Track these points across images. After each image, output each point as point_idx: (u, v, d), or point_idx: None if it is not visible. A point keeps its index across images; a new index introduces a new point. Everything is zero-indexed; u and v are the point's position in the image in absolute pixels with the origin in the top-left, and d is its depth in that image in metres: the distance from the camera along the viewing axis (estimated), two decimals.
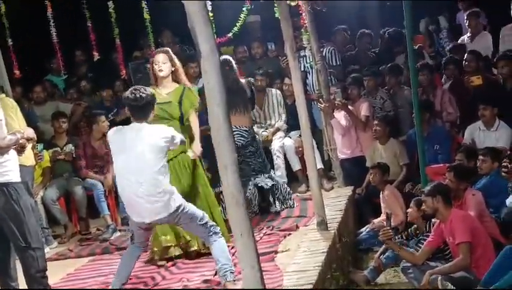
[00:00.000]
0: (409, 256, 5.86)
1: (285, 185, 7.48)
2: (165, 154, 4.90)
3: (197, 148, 5.97)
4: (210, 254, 5.19)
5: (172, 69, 6.06)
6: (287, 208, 7.24)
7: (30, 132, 5.24)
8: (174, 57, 6.12)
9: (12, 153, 4.87)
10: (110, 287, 5.10)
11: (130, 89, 5.00)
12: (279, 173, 8.04)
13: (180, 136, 5.12)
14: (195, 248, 5.93)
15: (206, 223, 5.01)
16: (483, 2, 10.17)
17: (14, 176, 4.84)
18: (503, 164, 5.71)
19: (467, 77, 8.09)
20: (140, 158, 4.78)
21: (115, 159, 4.98)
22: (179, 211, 4.91)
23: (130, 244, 5.17)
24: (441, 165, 7.01)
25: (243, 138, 7.07)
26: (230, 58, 7.17)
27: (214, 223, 5.12)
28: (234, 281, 4.82)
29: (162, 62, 6.03)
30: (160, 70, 6.03)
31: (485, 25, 10.03)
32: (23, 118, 5.49)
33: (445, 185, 5.96)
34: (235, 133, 6.65)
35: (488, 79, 8.14)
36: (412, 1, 6.57)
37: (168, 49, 6.30)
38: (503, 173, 5.62)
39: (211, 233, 4.99)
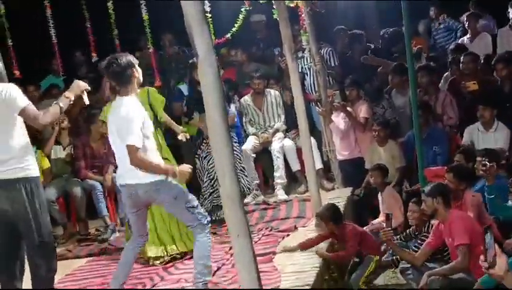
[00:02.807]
0: (408, 257, 5.85)
1: None
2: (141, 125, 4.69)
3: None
4: None
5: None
6: None
7: (79, 84, 4.96)
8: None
9: (31, 147, 4.80)
10: (108, 288, 5.08)
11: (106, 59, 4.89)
12: (279, 174, 8.06)
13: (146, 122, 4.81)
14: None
15: (193, 207, 4.80)
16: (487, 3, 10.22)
17: (34, 171, 4.74)
18: (481, 162, 5.68)
19: (463, 83, 8.09)
20: (119, 132, 4.70)
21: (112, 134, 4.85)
22: (167, 182, 4.73)
23: (128, 241, 5.10)
24: (439, 167, 7.01)
25: None
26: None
27: (203, 213, 4.92)
28: None
29: None
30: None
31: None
32: None
33: (445, 185, 5.94)
34: None
35: (487, 80, 8.14)
36: (411, 1, 6.58)
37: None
38: (481, 172, 5.58)
39: (198, 223, 4.80)
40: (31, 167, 4.71)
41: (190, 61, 6.86)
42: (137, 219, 4.95)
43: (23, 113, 4.65)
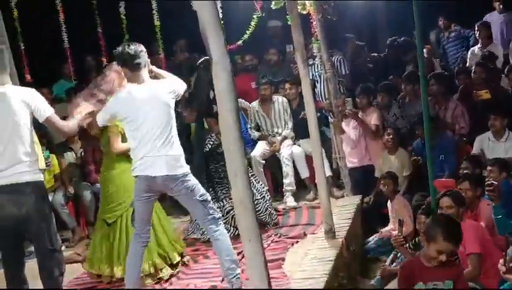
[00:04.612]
0: None
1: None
2: (172, 108, 4.88)
3: None
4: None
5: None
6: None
7: (86, 106, 5.07)
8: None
9: (39, 151, 4.89)
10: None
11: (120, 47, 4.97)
12: (288, 181, 8.04)
13: (181, 84, 5.06)
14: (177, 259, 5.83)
15: (206, 201, 4.90)
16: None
17: (42, 175, 4.81)
18: (486, 182, 5.54)
19: (474, 92, 8.08)
20: (152, 114, 4.79)
21: (131, 121, 4.87)
22: (186, 177, 4.85)
23: (132, 240, 5.10)
24: (450, 179, 6.96)
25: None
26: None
27: (215, 208, 5.02)
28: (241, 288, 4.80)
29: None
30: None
31: None
32: None
33: (462, 195, 5.89)
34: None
35: (498, 90, 8.12)
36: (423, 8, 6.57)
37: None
38: (486, 193, 5.43)
39: (210, 217, 4.89)
40: (40, 171, 4.76)
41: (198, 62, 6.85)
42: (145, 207, 4.95)
43: (47, 121, 4.72)
